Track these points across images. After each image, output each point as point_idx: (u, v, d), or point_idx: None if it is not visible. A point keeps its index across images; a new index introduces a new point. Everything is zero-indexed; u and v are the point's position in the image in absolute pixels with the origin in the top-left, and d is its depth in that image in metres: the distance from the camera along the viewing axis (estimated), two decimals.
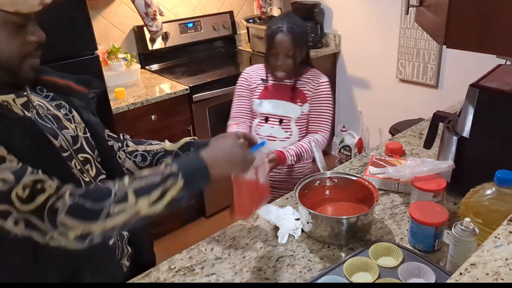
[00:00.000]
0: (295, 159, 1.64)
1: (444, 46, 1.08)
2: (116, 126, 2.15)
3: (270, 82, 1.74)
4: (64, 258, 0.96)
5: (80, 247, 0.84)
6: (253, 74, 1.77)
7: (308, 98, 1.70)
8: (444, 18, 1.05)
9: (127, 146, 1.23)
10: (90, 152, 1.05)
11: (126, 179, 0.88)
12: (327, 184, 1.31)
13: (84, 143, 1.04)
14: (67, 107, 1.05)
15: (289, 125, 1.71)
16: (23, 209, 0.80)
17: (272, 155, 1.58)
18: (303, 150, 1.65)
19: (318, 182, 1.30)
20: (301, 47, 1.64)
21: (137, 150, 1.21)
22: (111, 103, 2.22)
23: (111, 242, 1.06)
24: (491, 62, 1.46)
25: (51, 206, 0.80)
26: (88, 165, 1.03)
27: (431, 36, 1.22)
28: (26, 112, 0.93)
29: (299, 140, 1.72)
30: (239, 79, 1.79)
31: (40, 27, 0.93)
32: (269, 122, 1.73)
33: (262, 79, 1.74)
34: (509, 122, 1.15)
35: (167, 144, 1.21)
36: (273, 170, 1.77)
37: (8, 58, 0.88)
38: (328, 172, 1.33)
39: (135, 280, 1.08)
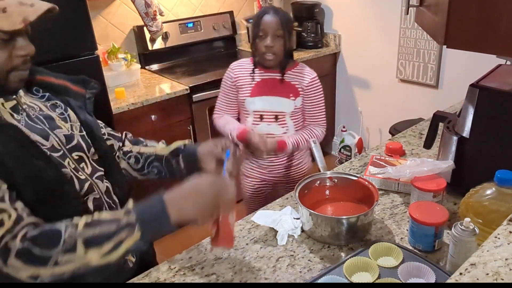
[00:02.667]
0: (296, 147, 1.68)
1: (444, 46, 1.08)
2: (116, 126, 2.14)
3: (258, 78, 1.71)
4: None
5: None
6: (238, 69, 1.75)
7: (300, 92, 1.70)
8: (444, 18, 1.05)
9: (124, 145, 1.23)
10: (86, 150, 1.05)
11: (82, 222, 0.85)
12: (327, 184, 1.31)
13: (80, 140, 1.05)
14: (63, 106, 1.07)
15: (284, 120, 1.72)
16: None
17: (272, 142, 1.58)
18: (303, 139, 1.69)
19: (318, 182, 1.30)
20: (288, 31, 1.64)
21: (131, 151, 1.21)
22: (111, 103, 2.21)
23: None
24: (491, 62, 1.46)
25: (5, 245, 0.81)
26: (83, 163, 1.04)
27: (431, 36, 1.22)
28: (15, 115, 0.94)
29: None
30: (225, 75, 1.79)
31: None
32: (264, 119, 1.72)
33: (249, 74, 1.72)
34: (509, 122, 1.15)
35: (159, 148, 1.21)
36: (272, 168, 1.79)
37: None
38: (328, 172, 1.33)
39: (135, 280, 1.08)
